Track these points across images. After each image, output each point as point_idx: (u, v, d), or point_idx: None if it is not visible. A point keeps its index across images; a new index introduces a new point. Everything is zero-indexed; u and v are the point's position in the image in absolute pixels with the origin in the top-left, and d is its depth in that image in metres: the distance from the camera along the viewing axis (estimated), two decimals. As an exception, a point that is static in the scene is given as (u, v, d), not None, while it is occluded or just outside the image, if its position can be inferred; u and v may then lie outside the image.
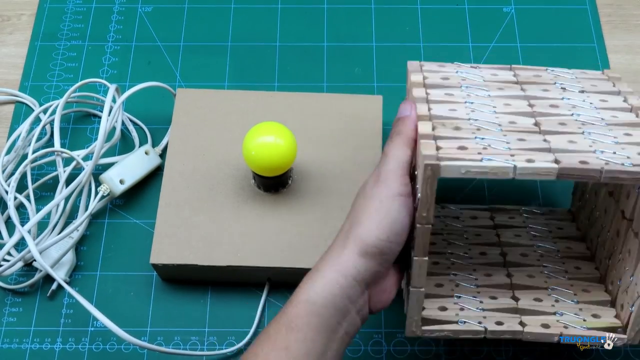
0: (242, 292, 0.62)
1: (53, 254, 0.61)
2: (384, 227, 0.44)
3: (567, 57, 0.74)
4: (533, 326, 0.48)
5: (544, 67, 0.55)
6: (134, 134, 0.69)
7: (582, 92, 0.51)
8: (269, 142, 0.57)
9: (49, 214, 0.63)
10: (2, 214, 0.65)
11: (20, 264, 0.60)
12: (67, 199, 0.63)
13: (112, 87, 0.65)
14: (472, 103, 0.49)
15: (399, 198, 0.45)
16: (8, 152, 0.66)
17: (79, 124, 0.71)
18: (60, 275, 0.61)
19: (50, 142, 0.68)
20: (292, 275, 0.59)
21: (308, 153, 0.63)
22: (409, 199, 0.45)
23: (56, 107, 0.66)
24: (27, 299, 0.62)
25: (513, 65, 0.55)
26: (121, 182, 0.64)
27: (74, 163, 0.64)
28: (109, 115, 0.63)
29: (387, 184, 0.45)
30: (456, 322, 0.49)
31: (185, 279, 0.62)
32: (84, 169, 0.63)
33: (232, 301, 0.62)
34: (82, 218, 0.61)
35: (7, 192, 0.63)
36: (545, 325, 0.49)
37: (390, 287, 0.48)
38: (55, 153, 0.64)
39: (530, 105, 0.49)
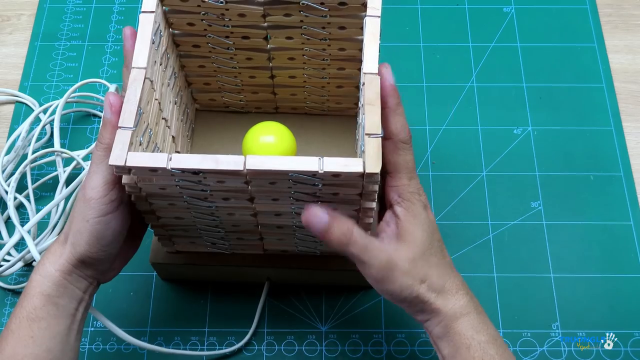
0: (242, 293, 0.62)
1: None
2: (93, 244, 0.47)
3: (567, 57, 0.74)
4: None
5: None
6: (134, 134, 0.68)
7: None
8: (268, 142, 0.57)
9: (49, 214, 0.63)
10: (2, 214, 0.65)
11: (20, 264, 0.60)
12: (66, 199, 0.63)
13: (112, 87, 0.65)
14: None
15: (104, 218, 0.46)
16: (8, 152, 0.66)
17: (79, 124, 0.71)
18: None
19: (50, 142, 0.68)
20: (291, 275, 0.59)
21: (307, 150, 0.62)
22: (115, 213, 0.47)
23: (56, 107, 0.66)
24: (27, 299, 0.62)
25: None
26: (121, 182, 0.64)
27: (74, 163, 0.64)
28: (109, 115, 0.63)
29: (92, 205, 0.46)
30: None
31: (184, 279, 0.62)
32: (84, 169, 0.63)
33: (232, 301, 0.62)
34: (82, 218, 0.61)
35: (6, 192, 0.63)
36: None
37: (117, 266, 0.52)
38: (55, 153, 0.64)
39: None
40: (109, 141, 0.45)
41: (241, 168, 0.42)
